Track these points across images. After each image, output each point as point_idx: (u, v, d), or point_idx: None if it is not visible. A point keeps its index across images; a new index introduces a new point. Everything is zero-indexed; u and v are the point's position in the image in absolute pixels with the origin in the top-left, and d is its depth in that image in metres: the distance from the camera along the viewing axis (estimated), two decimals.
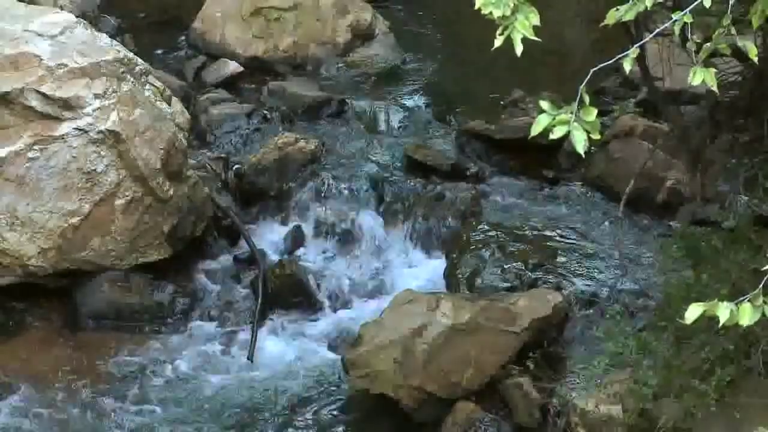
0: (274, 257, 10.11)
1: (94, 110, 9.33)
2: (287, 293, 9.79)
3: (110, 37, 10.22)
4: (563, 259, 9.78)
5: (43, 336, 9.38)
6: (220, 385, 9.06)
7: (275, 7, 12.69)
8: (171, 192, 9.71)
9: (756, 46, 4.64)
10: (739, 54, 4.89)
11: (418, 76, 12.42)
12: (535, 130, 4.39)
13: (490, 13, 4.45)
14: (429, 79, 12.33)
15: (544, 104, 4.39)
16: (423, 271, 10.08)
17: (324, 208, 10.47)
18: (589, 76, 4.44)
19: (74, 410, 8.69)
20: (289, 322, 9.69)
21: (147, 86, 9.83)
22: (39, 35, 9.48)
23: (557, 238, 10.06)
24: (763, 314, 4.30)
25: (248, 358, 9.28)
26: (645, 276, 9.26)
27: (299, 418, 8.77)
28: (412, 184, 10.66)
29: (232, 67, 12.31)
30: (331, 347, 9.40)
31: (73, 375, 9.00)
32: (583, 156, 4.44)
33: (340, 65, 12.59)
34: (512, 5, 4.44)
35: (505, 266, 9.59)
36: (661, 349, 7.58)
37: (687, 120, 8.75)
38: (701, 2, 4.43)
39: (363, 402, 8.77)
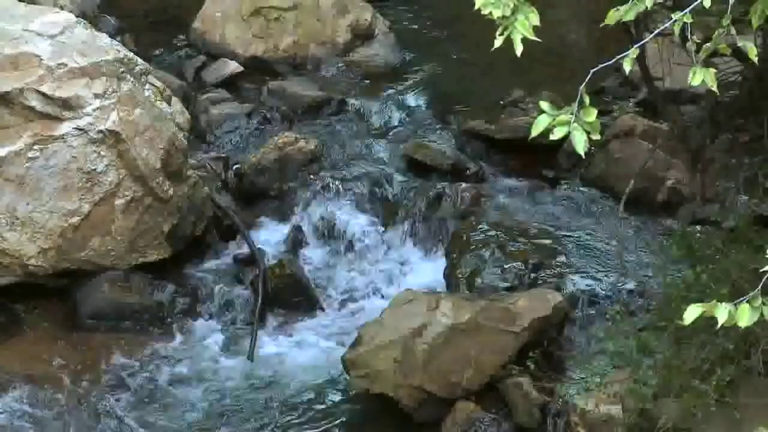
0: (274, 257, 10.11)
1: (94, 110, 9.33)
2: (287, 293, 9.79)
3: (110, 37, 10.22)
4: (563, 259, 9.78)
5: (43, 336, 9.38)
6: (220, 385, 9.06)
7: (275, 7, 12.68)
8: (171, 192, 9.71)
9: (756, 46, 4.64)
10: (739, 54, 4.89)
11: (418, 76, 12.41)
12: (535, 130, 4.39)
13: (490, 13, 4.45)
14: (429, 79, 12.32)
15: (544, 105, 4.39)
16: (423, 271, 10.08)
17: (324, 208, 10.47)
18: (589, 77, 4.44)
19: (74, 410, 8.69)
20: (289, 322, 9.70)
21: (147, 86, 9.83)
22: (39, 35, 9.48)
23: (557, 238, 10.05)
24: (762, 315, 4.30)
25: (248, 358, 9.28)
26: (645, 276, 9.26)
27: (299, 418, 8.77)
28: (412, 184, 10.66)
29: (232, 67, 12.30)
30: (331, 347, 9.39)
31: (73, 375, 9.00)
32: (583, 156, 4.44)
33: (340, 65, 12.59)
34: (512, 5, 4.44)
35: (505, 266, 9.58)
36: (661, 349, 7.59)
37: (687, 120, 8.75)
38: (701, 2, 4.43)
39: (363, 402, 8.78)
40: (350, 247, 10.29)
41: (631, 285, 9.17)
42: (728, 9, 4.56)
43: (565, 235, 10.12)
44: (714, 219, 8.48)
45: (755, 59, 4.63)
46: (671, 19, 4.52)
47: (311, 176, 10.70)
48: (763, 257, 4.72)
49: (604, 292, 9.30)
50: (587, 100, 4.38)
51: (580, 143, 4.34)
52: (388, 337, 8.59)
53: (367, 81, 12.38)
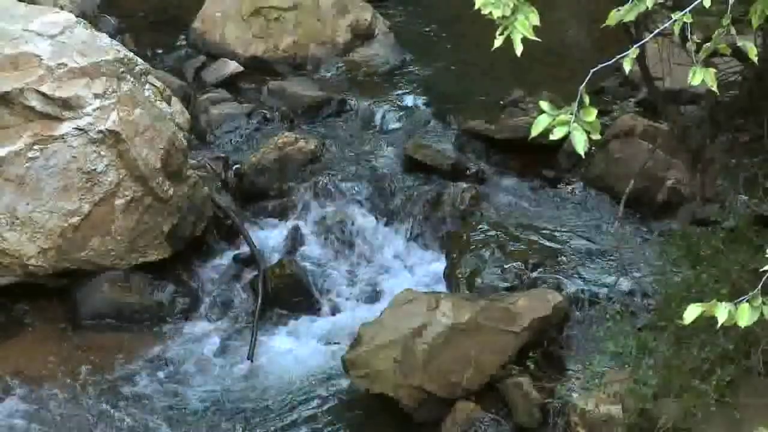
0: (274, 257, 10.11)
1: (94, 110, 9.33)
2: (287, 293, 9.79)
3: (110, 37, 10.22)
4: (563, 259, 9.78)
5: (43, 336, 9.38)
6: (220, 385, 9.06)
7: (275, 7, 12.69)
8: (171, 192, 9.71)
9: (756, 46, 4.64)
10: (739, 54, 4.89)
11: (418, 76, 12.42)
12: (535, 130, 4.39)
13: (490, 13, 4.45)
14: (429, 79, 12.32)
15: (544, 105, 4.39)
16: (423, 271, 10.08)
17: (324, 208, 10.48)
18: (589, 76, 4.45)
19: (74, 410, 8.69)
20: (289, 322, 9.70)
21: (147, 86, 9.83)
22: (39, 35, 9.49)
23: (557, 238, 10.05)
24: (762, 315, 4.30)
25: (248, 358, 9.28)
26: (645, 276, 9.25)
27: (299, 418, 8.77)
28: (412, 184, 10.67)
29: (232, 67, 12.31)
30: (331, 347, 9.39)
31: (73, 375, 9.00)
32: (583, 156, 4.44)
33: (340, 65, 12.59)
34: (512, 5, 4.44)
35: (505, 266, 9.58)
36: (661, 349, 7.58)
37: (687, 120, 8.75)
38: (701, 2, 4.43)
39: (363, 402, 8.77)
40: (350, 247, 10.29)
41: (631, 285, 9.16)
42: (728, 9, 4.56)
43: (565, 235, 10.11)
44: (714, 219, 8.47)
45: (755, 59, 4.63)
46: (671, 19, 4.52)
47: (311, 176, 10.70)
48: (763, 257, 4.73)
49: (604, 292, 9.29)
50: (587, 100, 4.38)
51: (580, 143, 4.34)
52: (388, 337, 8.59)
53: (367, 81, 12.38)
